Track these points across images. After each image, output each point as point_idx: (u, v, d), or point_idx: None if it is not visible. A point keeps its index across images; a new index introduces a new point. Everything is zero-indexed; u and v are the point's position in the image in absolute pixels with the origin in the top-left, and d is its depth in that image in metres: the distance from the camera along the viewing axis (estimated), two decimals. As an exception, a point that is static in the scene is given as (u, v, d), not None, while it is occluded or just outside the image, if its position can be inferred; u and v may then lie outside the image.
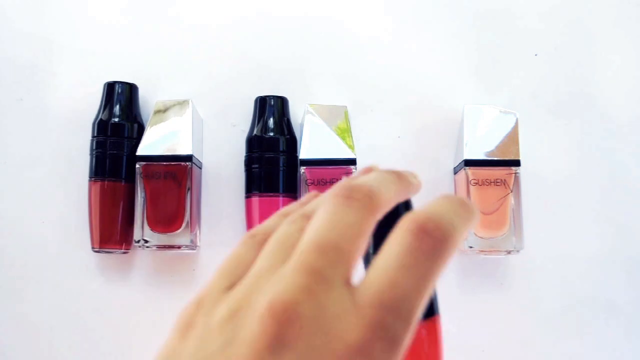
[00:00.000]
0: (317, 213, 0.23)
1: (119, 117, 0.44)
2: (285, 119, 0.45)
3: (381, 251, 0.21)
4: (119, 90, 0.44)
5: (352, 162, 0.43)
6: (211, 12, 0.48)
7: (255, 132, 0.44)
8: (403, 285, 0.20)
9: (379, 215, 0.23)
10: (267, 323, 0.20)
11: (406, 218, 0.21)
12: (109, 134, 0.43)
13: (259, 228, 0.26)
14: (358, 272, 0.22)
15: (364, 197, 0.22)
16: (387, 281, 0.20)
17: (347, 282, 0.21)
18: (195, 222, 0.43)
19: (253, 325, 0.20)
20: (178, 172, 0.43)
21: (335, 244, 0.21)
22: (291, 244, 0.23)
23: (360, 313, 0.20)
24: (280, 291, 0.20)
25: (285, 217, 0.26)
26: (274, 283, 0.21)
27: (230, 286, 0.23)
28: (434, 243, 0.21)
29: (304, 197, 0.28)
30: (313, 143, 0.44)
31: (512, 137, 0.43)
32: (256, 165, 0.43)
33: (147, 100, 0.46)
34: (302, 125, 0.44)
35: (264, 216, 0.43)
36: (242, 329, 0.20)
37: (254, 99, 0.45)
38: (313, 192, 0.28)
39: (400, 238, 0.21)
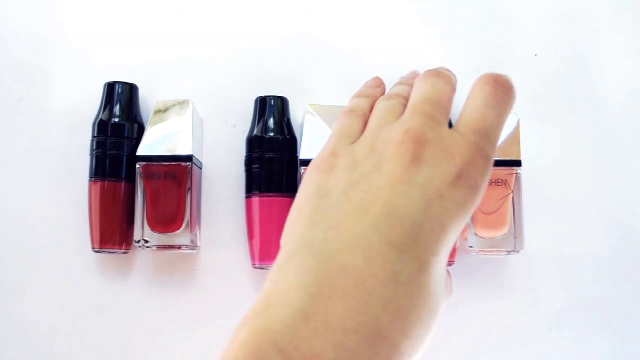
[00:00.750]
0: (417, 85, 0.31)
1: (119, 117, 0.44)
2: (285, 119, 0.45)
3: (468, 98, 0.29)
4: (119, 90, 0.44)
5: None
6: (211, 12, 0.48)
7: (255, 132, 0.44)
8: (490, 118, 0.28)
9: (455, 87, 0.32)
10: (407, 145, 0.27)
11: (482, 77, 0.30)
12: (109, 134, 0.43)
13: (354, 105, 0.34)
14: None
15: (449, 76, 0.31)
16: (479, 116, 0.28)
17: (447, 124, 0.29)
18: (195, 222, 0.43)
19: (396, 147, 0.27)
20: (178, 172, 0.43)
21: (438, 100, 0.30)
22: (396, 110, 0.31)
23: (465, 138, 0.28)
24: (410, 125, 0.28)
25: (360, 97, 0.35)
26: (400, 123, 0.29)
27: (351, 143, 0.30)
28: (505, 89, 0.30)
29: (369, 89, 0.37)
30: (313, 143, 0.44)
31: (514, 137, 0.43)
32: (256, 165, 0.43)
33: (147, 100, 0.46)
34: (302, 125, 0.44)
35: (264, 216, 0.43)
36: (386, 153, 0.27)
37: (254, 99, 0.45)
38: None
39: (481, 89, 0.29)
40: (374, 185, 0.27)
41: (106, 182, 0.43)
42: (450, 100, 0.30)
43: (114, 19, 0.48)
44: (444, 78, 0.31)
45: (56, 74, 0.47)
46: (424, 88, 0.30)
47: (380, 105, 0.32)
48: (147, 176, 0.42)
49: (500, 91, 0.29)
